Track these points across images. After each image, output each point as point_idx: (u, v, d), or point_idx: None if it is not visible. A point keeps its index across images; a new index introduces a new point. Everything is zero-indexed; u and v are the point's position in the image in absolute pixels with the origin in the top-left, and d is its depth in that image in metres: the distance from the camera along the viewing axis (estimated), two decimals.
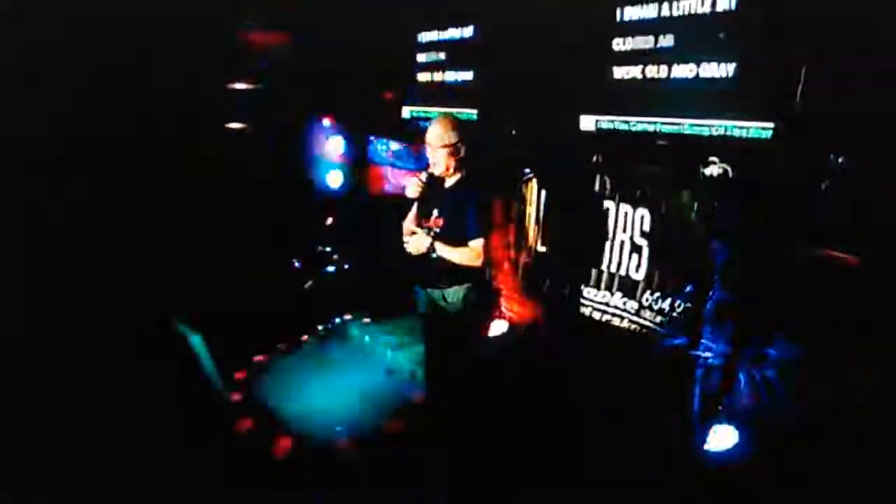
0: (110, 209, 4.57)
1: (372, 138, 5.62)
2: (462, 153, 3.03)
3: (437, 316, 3.17)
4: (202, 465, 3.13)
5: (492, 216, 3.74)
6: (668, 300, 3.43)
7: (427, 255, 3.03)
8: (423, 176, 3.06)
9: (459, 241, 3.00)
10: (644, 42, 3.42)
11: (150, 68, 4.65)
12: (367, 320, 5.03)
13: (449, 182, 3.11)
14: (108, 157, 4.55)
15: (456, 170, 3.06)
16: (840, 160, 2.55)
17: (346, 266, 5.53)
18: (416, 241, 3.06)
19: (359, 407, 3.88)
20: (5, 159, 4.19)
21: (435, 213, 3.10)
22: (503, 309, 4.42)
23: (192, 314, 4.30)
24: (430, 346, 3.34)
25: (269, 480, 3.17)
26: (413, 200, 3.11)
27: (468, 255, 3.00)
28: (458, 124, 3.06)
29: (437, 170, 3.05)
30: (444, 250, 3.01)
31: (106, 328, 4.07)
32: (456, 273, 3.06)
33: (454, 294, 3.10)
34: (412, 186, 3.06)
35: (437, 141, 2.99)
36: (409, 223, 3.18)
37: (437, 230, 3.07)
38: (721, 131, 3.07)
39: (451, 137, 2.98)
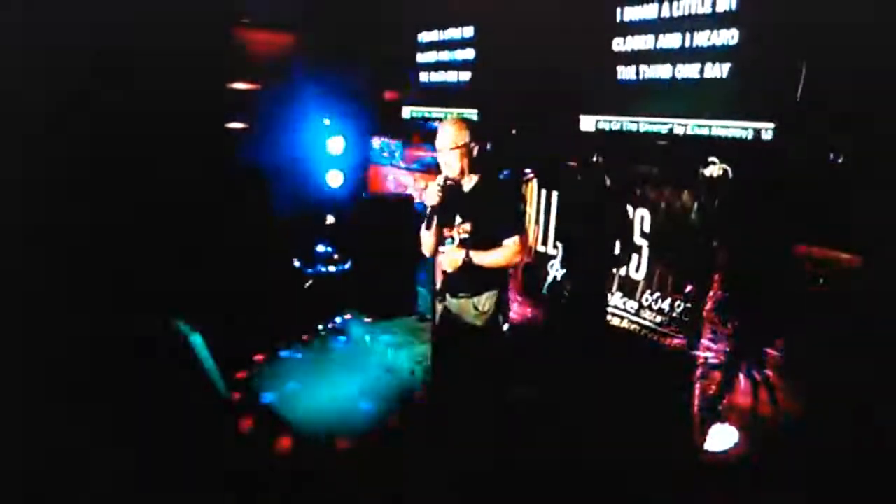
0: (109, 208, 4.58)
1: (372, 138, 5.63)
2: (475, 154, 2.92)
3: (464, 324, 3.05)
4: (202, 466, 3.13)
5: (524, 209, 3.42)
6: (668, 300, 3.43)
7: (463, 266, 2.90)
8: (441, 180, 2.91)
9: (492, 243, 2.87)
10: (644, 42, 3.43)
11: (150, 67, 4.66)
12: (368, 320, 5.04)
13: (468, 185, 2.99)
14: (107, 157, 4.56)
15: (472, 171, 2.95)
16: (840, 160, 2.55)
17: (347, 265, 5.54)
18: (450, 257, 2.93)
19: (359, 405, 3.89)
20: (4, 160, 4.20)
21: (458, 219, 2.97)
22: None
23: (192, 314, 4.31)
24: (447, 353, 3.26)
25: (269, 480, 3.17)
26: (433, 208, 2.95)
27: (505, 255, 2.85)
28: (468, 125, 2.95)
29: (451, 172, 2.92)
30: (480, 258, 2.87)
31: (105, 328, 4.08)
32: (486, 278, 2.95)
33: (486, 302, 2.98)
34: (431, 193, 2.91)
35: (449, 143, 2.88)
36: (430, 233, 3.02)
37: (465, 236, 2.94)
38: (721, 131, 3.08)
39: (463, 138, 2.87)
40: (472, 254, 2.88)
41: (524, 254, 2.88)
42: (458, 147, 2.87)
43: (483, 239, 2.89)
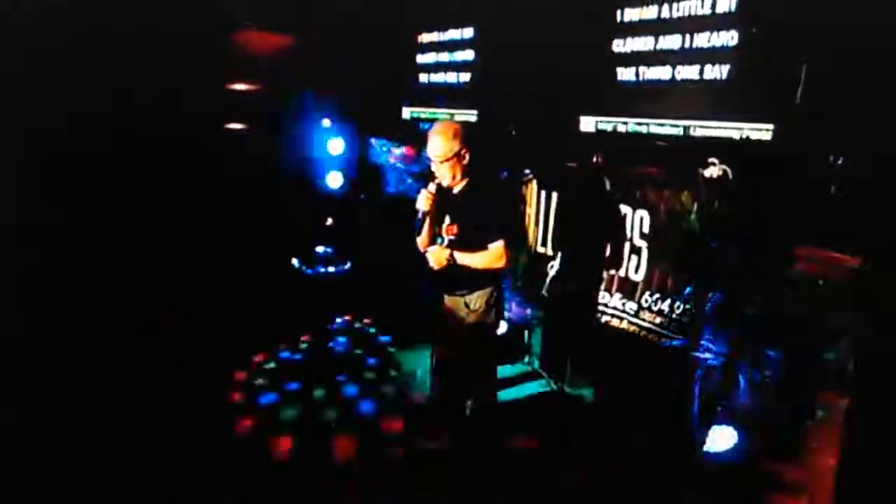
0: (110, 209, 4.58)
1: (372, 139, 5.63)
2: (466, 159, 2.94)
3: (457, 321, 3.11)
4: (202, 465, 3.13)
5: (512, 215, 3.51)
6: (668, 301, 3.43)
7: (449, 265, 2.96)
8: (432, 187, 2.97)
9: (478, 246, 2.93)
10: (644, 43, 3.43)
11: (150, 68, 4.66)
12: (367, 320, 5.02)
13: (458, 188, 3.04)
14: (107, 157, 4.56)
15: (463, 176, 3.00)
16: (840, 160, 2.55)
17: (347, 266, 5.53)
18: (435, 255, 2.99)
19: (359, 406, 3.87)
20: (6, 160, 4.19)
21: (447, 219, 3.04)
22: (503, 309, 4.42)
23: (192, 313, 4.30)
24: (443, 350, 3.29)
25: (269, 481, 3.17)
26: (424, 214, 3.02)
27: (489, 258, 2.92)
28: (458, 131, 2.94)
29: (443, 181, 2.98)
30: (464, 258, 2.94)
31: (105, 328, 4.07)
32: (478, 278, 3.01)
33: (476, 300, 3.04)
34: (423, 200, 2.97)
35: (439, 156, 2.90)
36: (423, 237, 3.11)
37: (452, 237, 3.01)
38: (721, 132, 3.08)
39: (453, 147, 2.89)
40: (456, 254, 2.96)
41: (508, 258, 2.93)
42: (447, 159, 2.91)
43: (468, 241, 2.96)
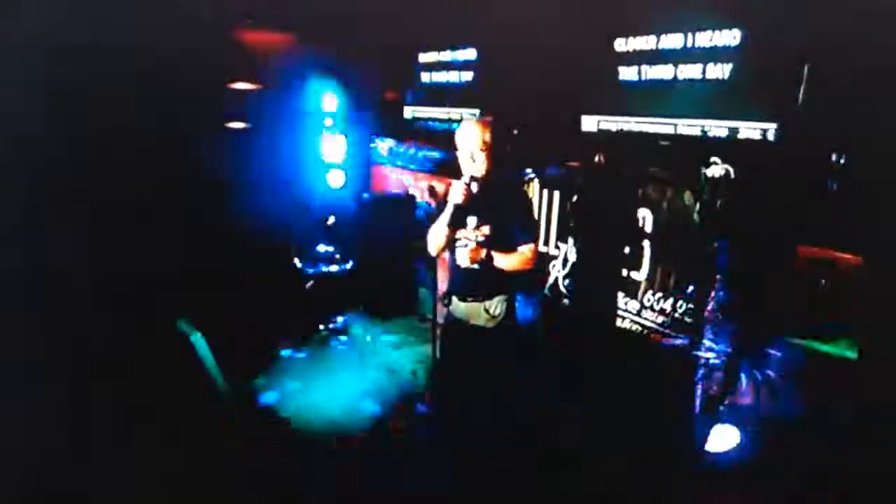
0: (110, 209, 4.58)
1: (374, 138, 5.63)
2: (496, 155, 2.87)
3: (471, 328, 3.00)
4: (204, 463, 3.13)
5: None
6: (670, 301, 3.43)
7: (473, 265, 2.86)
8: (467, 179, 2.84)
9: (508, 247, 2.86)
10: (646, 42, 3.42)
11: (151, 68, 4.66)
12: (369, 320, 5.04)
13: (486, 185, 2.91)
14: (107, 157, 4.56)
15: (490, 173, 2.88)
16: (841, 160, 2.55)
17: (348, 265, 5.54)
18: (470, 253, 2.87)
19: (360, 406, 3.89)
20: (6, 159, 4.20)
21: (474, 220, 2.91)
22: None
23: (193, 314, 4.30)
24: (455, 359, 3.18)
25: (269, 480, 3.17)
26: (457, 207, 2.84)
27: (521, 260, 2.86)
28: (489, 123, 2.89)
29: (477, 173, 2.86)
30: (498, 259, 2.85)
31: (106, 328, 4.08)
32: (501, 282, 2.92)
33: (497, 306, 2.95)
34: (456, 192, 2.81)
35: (479, 143, 2.82)
36: (440, 231, 2.93)
37: (482, 239, 2.88)
38: (723, 132, 3.07)
39: (486, 139, 2.83)
40: (494, 254, 2.85)
41: (535, 261, 2.89)
42: (487, 148, 2.82)
43: (498, 242, 2.87)
